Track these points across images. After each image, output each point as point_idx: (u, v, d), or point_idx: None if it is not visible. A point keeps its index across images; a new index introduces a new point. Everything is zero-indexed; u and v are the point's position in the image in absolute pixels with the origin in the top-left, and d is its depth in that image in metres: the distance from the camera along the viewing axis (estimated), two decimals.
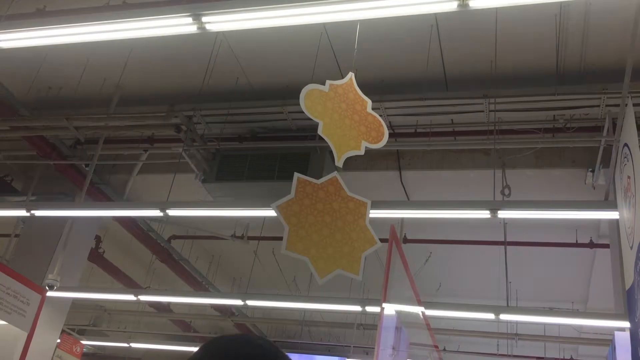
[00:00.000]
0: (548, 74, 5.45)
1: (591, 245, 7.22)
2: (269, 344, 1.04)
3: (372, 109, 6.05)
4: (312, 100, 2.67)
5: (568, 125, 5.60)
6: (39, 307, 5.56)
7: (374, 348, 3.54)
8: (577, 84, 5.38)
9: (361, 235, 2.76)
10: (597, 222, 6.97)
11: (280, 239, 2.59)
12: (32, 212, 5.78)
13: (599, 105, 5.31)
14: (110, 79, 6.29)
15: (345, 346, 11.17)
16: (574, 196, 6.17)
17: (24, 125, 6.50)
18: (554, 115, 5.65)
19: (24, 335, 5.47)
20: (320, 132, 2.70)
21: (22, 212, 5.90)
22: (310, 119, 6.21)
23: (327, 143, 6.19)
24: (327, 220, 2.74)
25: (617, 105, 4.85)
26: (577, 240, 7.24)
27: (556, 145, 5.85)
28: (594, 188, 5.85)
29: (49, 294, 5.81)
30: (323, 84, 2.96)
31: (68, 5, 5.21)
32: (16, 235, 7.57)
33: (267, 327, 12.44)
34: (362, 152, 2.84)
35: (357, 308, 6.94)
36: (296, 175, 2.74)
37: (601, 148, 5.46)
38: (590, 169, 5.83)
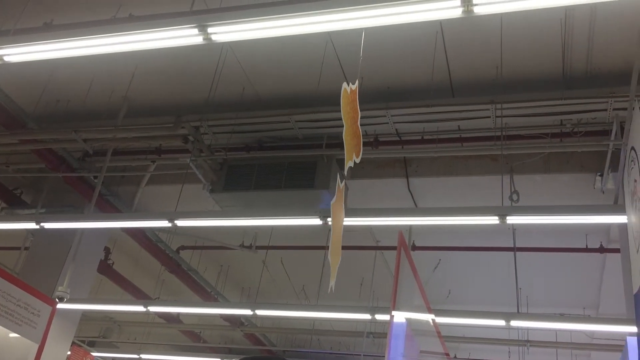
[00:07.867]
0: (554, 78, 5.44)
1: (601, 250, 7.17)
2: None
3: (378, 116, 6.05)
4: (343, 100, 2.67)
5: (576, 130, 5.58)
6: (49, 319, 5.56)
7: (384, 356, 3.52)
8: (583, 88, 5.36)
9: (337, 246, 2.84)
10: (607, 227, 6.92)
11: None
12: (42, 224, 5.83)
13: (606, 109, 5.29)
14: (117, 91, 6.33)
15: (355, 355, 11.12)
16: (583, 201, 6.13)
17: (33, 139, 6.55)
18: (561, 120, 5.63)
19: (34, 347, 5.47)
20: (344, 134, 2.69)
21: (32, 225, 5.95)
22: (316, 128, 6.20)
23: (332, 152, 6.17)
24: (336, 230, 2.79)
25: (625, 109, 4.82)
26: (587, 245, 7.20)
27: (564, 150, 5.82)
28: (603, 192, 5.82)
29: (59, 306, 5.81)
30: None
31: (75, 18, 5.26)
32: (26, 248, 7.61)
33: (277, 337, 12.41)
34: (352, 164, 2.84)
35: (367, 316, 6.91)
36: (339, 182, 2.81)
37: (609, 152, 5.43)
38: (599, 173, 5.79)
